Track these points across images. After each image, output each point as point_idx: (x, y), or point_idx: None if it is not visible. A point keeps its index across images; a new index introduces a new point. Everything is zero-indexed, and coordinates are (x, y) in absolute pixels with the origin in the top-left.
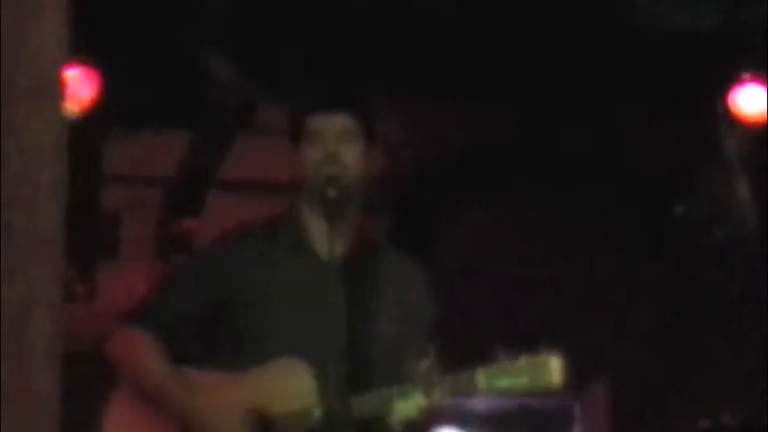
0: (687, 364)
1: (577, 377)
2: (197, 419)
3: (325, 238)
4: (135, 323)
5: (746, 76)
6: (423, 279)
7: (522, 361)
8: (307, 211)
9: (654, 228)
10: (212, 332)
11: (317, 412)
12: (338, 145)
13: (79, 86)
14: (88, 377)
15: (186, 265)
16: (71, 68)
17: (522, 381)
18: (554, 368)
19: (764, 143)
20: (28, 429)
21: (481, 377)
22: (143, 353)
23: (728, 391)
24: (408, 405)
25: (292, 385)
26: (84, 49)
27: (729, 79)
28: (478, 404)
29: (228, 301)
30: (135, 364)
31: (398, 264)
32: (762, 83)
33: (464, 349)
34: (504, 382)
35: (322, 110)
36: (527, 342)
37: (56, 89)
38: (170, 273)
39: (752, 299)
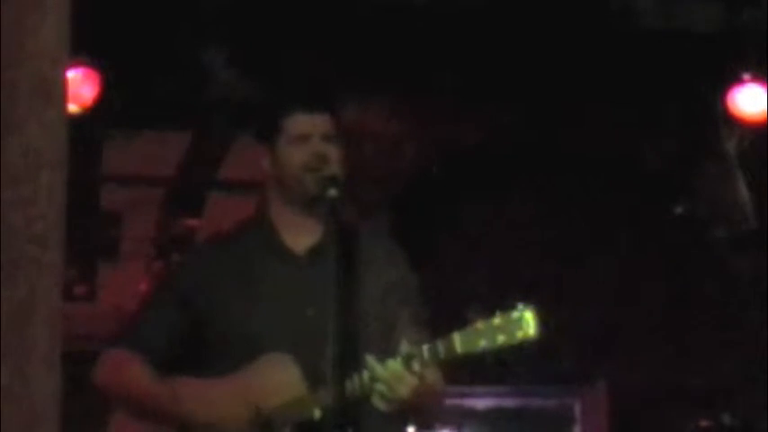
0: (687, 364)
1: (577, 377)
2: (195, 422)
3: (296, 232)
4: (117, 346)
5: (746, 76)
6: (400, 253)
7: (497, 319)
8: (278, 210)
9: (654, 228)
10: (194, 343)
11: (314, 405)
12: (324, 146)
13: (79, 86)
14: (88, 377)
15: (163, 283)
16: (72, 68)
17: (499, 338)
18: (528, 321)
19: (764, 143)
20: (29, 429)
21: (457, 341)
22: (129, 369)
23: (728, 391)
24: (388, 378)
25: (280, 378)
26: (85, 49)
27: (729, 79)
28: (478, 404)
29: (206, 312)
30: (124, 382)
31: (378, 246)
32: (762, 83)
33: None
34: (482, 343)
35: (306, 110)
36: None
37: (56, 89)
38: (148, 293)
39: (752, 299)
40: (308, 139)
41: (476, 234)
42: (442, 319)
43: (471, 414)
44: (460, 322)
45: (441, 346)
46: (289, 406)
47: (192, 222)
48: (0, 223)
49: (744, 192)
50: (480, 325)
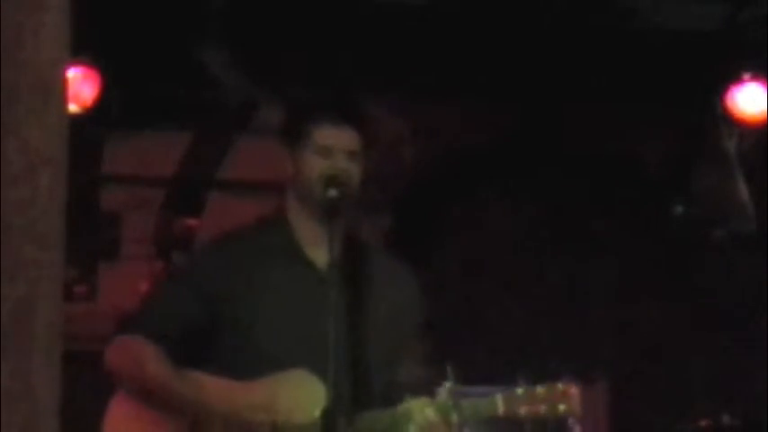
0: (687, 364)
1: (577, 377)
2: (214, 413)
3: (315, 242)
4: (130, 332)
5: (746, 76)
6: (412, 281)
7: (541, 389)
8: (297, 216)
9: (654, 228)
10: (205, 338)
11: (317, 421)
12: (346, 162)
13: (80, 86)
14: (88, 377)
15: (177, 273)
16: (72, 68)
17: (542, 409)
18: (572, 397)
19: (764, 143)
20: (29, 429)
21: (500, 404)
22: (145, 356)
23: (728, 391)
24: (424, 424)
25: (306, 397)
26: (85, 49)
27: (729, 79)
28: None
29: (221, 307)
30: (137, 368)
31: (388, 266)
32: (762, 83)
33: (464, 346)
34: (523, 409)
35: (335, 124)
36: (527, 340)
37: (56, 89)
38: (162, 282)
39: (752, 299)
40: (332, 152)
41: (476, 234)
42: (443, 319)
43: None
44: (461, 322)
45: (483, 406)
46: (308, 427)
47: (192, 222)
48: (0, 223)
49: (744, 192)
50: (524, 391)
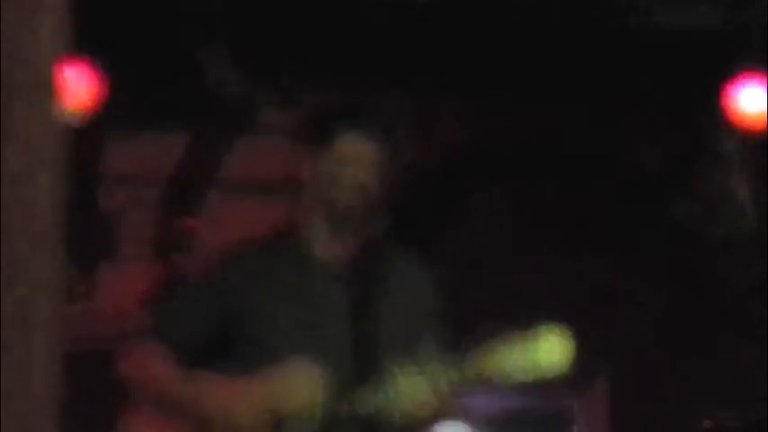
0: (688, 364)
1: (577, 377)
2: (215, 418)
3: (325, 242)
4: (147, 339)
5: (746, 76)
6: (427, 276)
7: (527, 343)
8: (310, 217)
9: (653, 228)
10: (219, 349)
11: (318, 411)
12: (366, 174)
13: (79, 86)
14: (88, 377)
15: (191, 285)
16: (71, 68)
17: (529, 362)
18: (554, 344)
19: (764, 144)
20: (29, 429)
21: (485, 363)
22: (154, 361)
23: (729, 391)
24: (410, 393)
25: (304, 385)
26: (85, 49)
27: (729, 79)
28: (478, 404)
29: (234, 308)
30: (146, 373)
31: (403, 264)
32: (762, 83)
33: (463, 346)
34: (510, 366)
35: (361, 133)
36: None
37: (56, 89)
38: (179, 288)
39: (752, 299)
40: (353, 162)
41: (475, 234)
42: (441, 319)
43: (470, 414)
44: (458, 321)
45: (468, 367)
46: (303, 414)
47: (192, 222)
48: (0, 223)
49: (744, 192)
50: (509, 348)
